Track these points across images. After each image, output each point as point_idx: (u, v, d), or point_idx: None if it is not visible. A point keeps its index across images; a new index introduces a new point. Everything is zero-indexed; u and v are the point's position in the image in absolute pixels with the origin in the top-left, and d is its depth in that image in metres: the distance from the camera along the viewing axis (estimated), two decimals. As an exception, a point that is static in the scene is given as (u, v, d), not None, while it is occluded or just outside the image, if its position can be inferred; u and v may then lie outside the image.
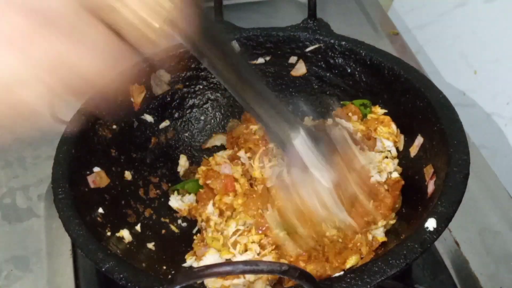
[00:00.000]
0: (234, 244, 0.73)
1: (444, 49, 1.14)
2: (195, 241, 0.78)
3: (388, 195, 0.73)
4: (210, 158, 0.85)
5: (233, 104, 0.93)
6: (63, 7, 0.37)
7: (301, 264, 0.71)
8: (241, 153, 0.82)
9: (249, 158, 0.81)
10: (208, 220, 0.78)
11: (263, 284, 0.69)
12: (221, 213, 0.78)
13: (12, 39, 0.36)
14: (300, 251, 0.71)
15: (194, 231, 0.81)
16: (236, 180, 0.79)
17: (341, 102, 0.88)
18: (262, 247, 0.73)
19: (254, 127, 0.85)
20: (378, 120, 0.83)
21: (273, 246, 0.73)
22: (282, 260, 0.72)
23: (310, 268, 0.70)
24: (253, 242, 0.74)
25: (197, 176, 0.84)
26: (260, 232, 0.74)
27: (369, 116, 0.84)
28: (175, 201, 0.83)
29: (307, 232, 0.74)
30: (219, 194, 0.79)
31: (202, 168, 0.84)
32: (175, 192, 0.84)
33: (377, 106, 0.85)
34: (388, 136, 0.81)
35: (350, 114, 0.85)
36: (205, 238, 0.76)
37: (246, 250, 0.73)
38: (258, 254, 0.73)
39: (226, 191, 0.78)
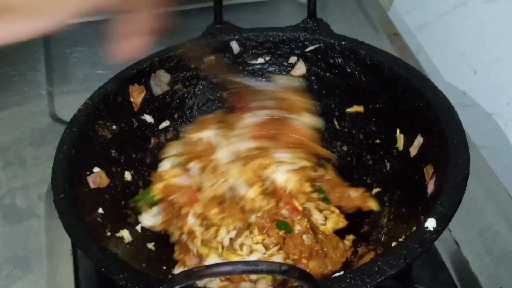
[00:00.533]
0: (240, 247, 0.74)
1: (444, 49, 1.14)
2: (177, 253, 0.76)
3: None
4: (163, 172, 0.81)
5: (233, 105, 0.93)
6: None
7: (304, 261, 0.71)
8: (191, 165, 0.80)
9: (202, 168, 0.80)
10: (191, 232, 0.76)
11: (266, 285, 0.69)
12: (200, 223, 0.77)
13: None
14: (301, 248, 0.72)
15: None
16: (198, 189, 0.78)
17: None
18: (266, 247, 0.73)
19: (200, 134, 0.85)
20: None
21: (278, 246, 0.73)
22: (287, 260, 0.72)
23: (313, 265, 0.71)
24: (257, 243, 0.74)
25: (152, 193, 0.80)
26: (263, 232, 0.74)
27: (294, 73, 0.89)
28: (148, 220, 0.79)
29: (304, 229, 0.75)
30: (185, 206, 0.77)
31: (159, 185, 0.80)
32: (146, 208, 0.80)
33: None
34: None
35: None
36: (192, 250, 0.75)
37: (251, 252, 0.73)
38: (264, 254, 0.73)
39: (191, 203, 0.77)
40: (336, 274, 0.59)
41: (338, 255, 0.73)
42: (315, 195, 0.81)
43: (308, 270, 0.69)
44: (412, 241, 0.60)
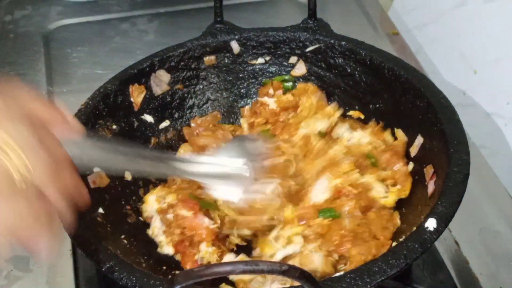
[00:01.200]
0: (276, 239, 0.73)
1: (444, 49, 1.14)
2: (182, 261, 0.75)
3: None
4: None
5: (233, 104, 0.93)
6: None
7: (347, 246, 0.69)
8: None
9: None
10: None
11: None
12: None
13: None
14: (345, 233, 0.70)
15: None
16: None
17: (263, 81, 0.92)
18: (306, 237, 0.72)
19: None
20: (304, 89, 0.88)
21: (319, 238, 0.71)
22: (326, 247, 0.70)
23: (354, 253, 0.68)
24: (296, 234, 0.72)
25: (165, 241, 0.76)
26: (302, 223, 0.73)
27: (298, 86, 0.90)
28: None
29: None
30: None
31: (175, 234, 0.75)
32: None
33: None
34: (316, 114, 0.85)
35: (271, 91, 0.90)
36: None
37: (289, 243, 0.72)
38: (302, 247, 0.71)
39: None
40: (336, 274, 0.59)
41: (387, 236, 0.70)
42: (367, 162, 0.78)
43: (349, 258, 0.68)
44: (412, 241, 0.60)
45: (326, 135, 0.83)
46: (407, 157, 0.79)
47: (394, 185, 0.77)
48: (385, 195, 0.75)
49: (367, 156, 0.78)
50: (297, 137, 0.83)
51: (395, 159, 0.78)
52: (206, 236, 0.73)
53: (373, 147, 0.80)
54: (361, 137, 0.81)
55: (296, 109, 0.87)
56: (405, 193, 0.76)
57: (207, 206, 0.75)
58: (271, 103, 0.88)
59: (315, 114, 0.85)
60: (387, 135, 0.82)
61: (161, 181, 0.84)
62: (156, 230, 0.76)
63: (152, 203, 0.79)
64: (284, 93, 0.90)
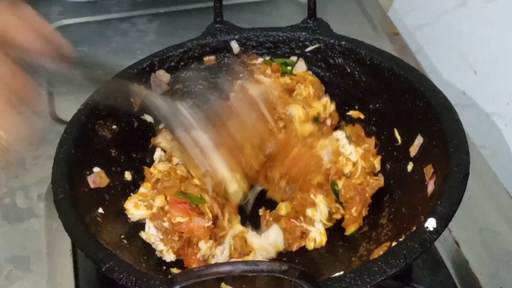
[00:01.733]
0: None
1: (444, 49, 1.14)
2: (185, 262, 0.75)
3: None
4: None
5: (233, 104, 0.94)
6: None
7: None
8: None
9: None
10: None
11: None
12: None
13: None
14: None
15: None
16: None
17: (264, 60, 0.91)
18: None
19: None
20: (304, 77, 0.87)
21: None
22: None
23: None
24: None
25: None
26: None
27: (295, 71, 0.88)
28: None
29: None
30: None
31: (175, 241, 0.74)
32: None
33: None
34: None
35: (268, 71, 0.88)
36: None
37: None
38: None
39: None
40: (336, 274, 0.59)
41: None
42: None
43: None
44: (412, 241, 0.60)
45: (319, 123, 0.83)
46: (407, 157, 0.79)
47: (340, 218, 0.79)
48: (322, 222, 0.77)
49: (331, 185, 0.79)
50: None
51: (357, 204, 0.78)
52: (202, 235, 0.73)
53: (352, 172, 0.80)
54: (351, 153, 0.80)
55: (291, 93, 0.86)
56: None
57: (196, 202, 0.74)
58: (266, 82, 0.87)
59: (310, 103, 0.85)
60: (377, 162, 0.82)
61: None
62: (153, 238, 0.74)
63: (132, 210, 0.76)
64: (282, 76, 0.89)
